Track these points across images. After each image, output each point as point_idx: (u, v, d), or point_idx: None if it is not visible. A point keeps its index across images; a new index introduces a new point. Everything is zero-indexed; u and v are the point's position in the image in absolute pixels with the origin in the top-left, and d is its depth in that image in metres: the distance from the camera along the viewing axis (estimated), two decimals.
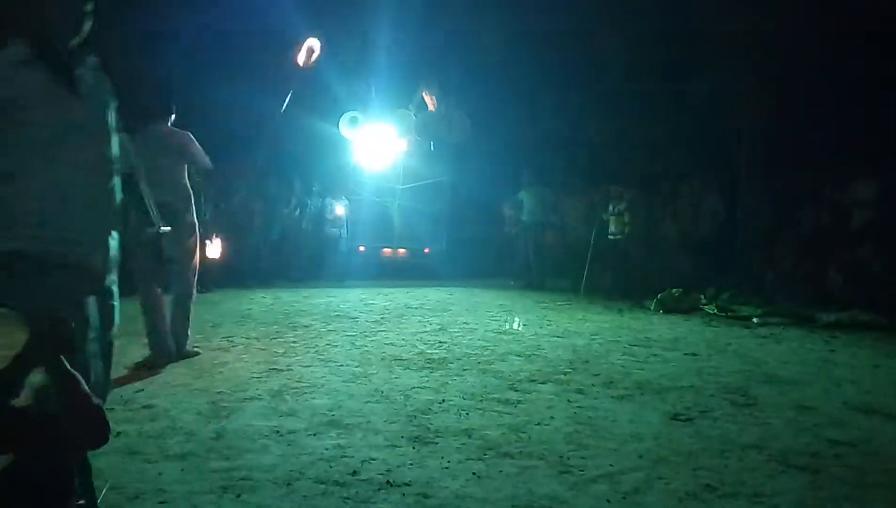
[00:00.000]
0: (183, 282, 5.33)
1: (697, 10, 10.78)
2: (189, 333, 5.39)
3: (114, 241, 2.40)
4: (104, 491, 2.50)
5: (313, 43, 9.54)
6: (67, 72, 2.23)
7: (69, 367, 1.87)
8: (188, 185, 5.28)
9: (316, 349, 5.82)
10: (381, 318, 7.85)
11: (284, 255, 12.66)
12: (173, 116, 5.39)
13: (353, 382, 4.67)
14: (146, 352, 5.10)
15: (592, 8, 11.89)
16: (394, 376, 4.88)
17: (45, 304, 2.11)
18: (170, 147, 5.19)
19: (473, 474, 2.99)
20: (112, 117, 2.39)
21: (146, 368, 4.91)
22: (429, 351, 5.83)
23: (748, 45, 10.51)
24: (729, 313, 8.47)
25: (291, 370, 5.00)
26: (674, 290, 9.16)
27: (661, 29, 11.45)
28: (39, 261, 2.16)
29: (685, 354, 5.93)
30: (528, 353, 5.82)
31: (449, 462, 3.14)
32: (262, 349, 5.78)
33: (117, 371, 4.20)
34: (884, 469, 3.13)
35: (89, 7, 2.25)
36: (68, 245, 2.21)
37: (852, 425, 3.85)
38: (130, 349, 5.22)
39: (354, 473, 2.98)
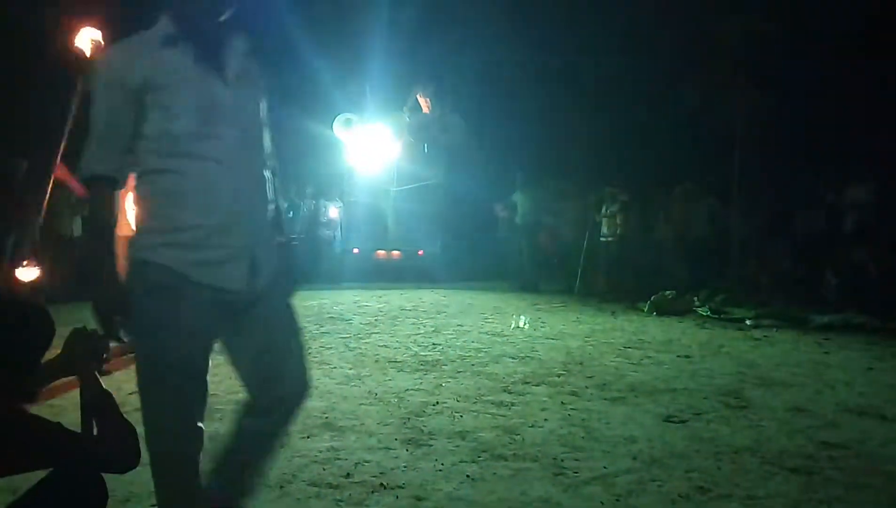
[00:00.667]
0: None
1: (693, 12, 10.82)
2: None
3: (265, 250, 2.04)
4: None
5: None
6: (214, 54, 1.93)
7: (102, 386, 1.86)
8: None
9: (309, 352, 5.79)
10: (375, 320, 7.83)
11: None
12: None
13: (346, 384, 4.66)
14: None
15: (588, 11, 11.93)
16: (387, 378, 4.87)
17: (169, 328, 1.88)
18: None
19: (467, 476, 2.99)
20: (264, 108, 2.08)
21: None
22: (423, 353, 5.82)
23: (744, 47, 10.54)
24: (722, 315, 8.47)
25: None
26: (667, 292, 9.17)
27: (656, 31, 11.48)
28: (179, 274, 1.88)
29: (678, 356, 5.93)
30: (521, 355, 5.82)
31: (442, 464, 3.13)
32: None
33: (111, 375, 4.17)
34: (878, 472, 3.14)
35: None
36: (210, 252, 1.90)
37: (846, 427, 3.85)
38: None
39: (348, 475, 2.97)
